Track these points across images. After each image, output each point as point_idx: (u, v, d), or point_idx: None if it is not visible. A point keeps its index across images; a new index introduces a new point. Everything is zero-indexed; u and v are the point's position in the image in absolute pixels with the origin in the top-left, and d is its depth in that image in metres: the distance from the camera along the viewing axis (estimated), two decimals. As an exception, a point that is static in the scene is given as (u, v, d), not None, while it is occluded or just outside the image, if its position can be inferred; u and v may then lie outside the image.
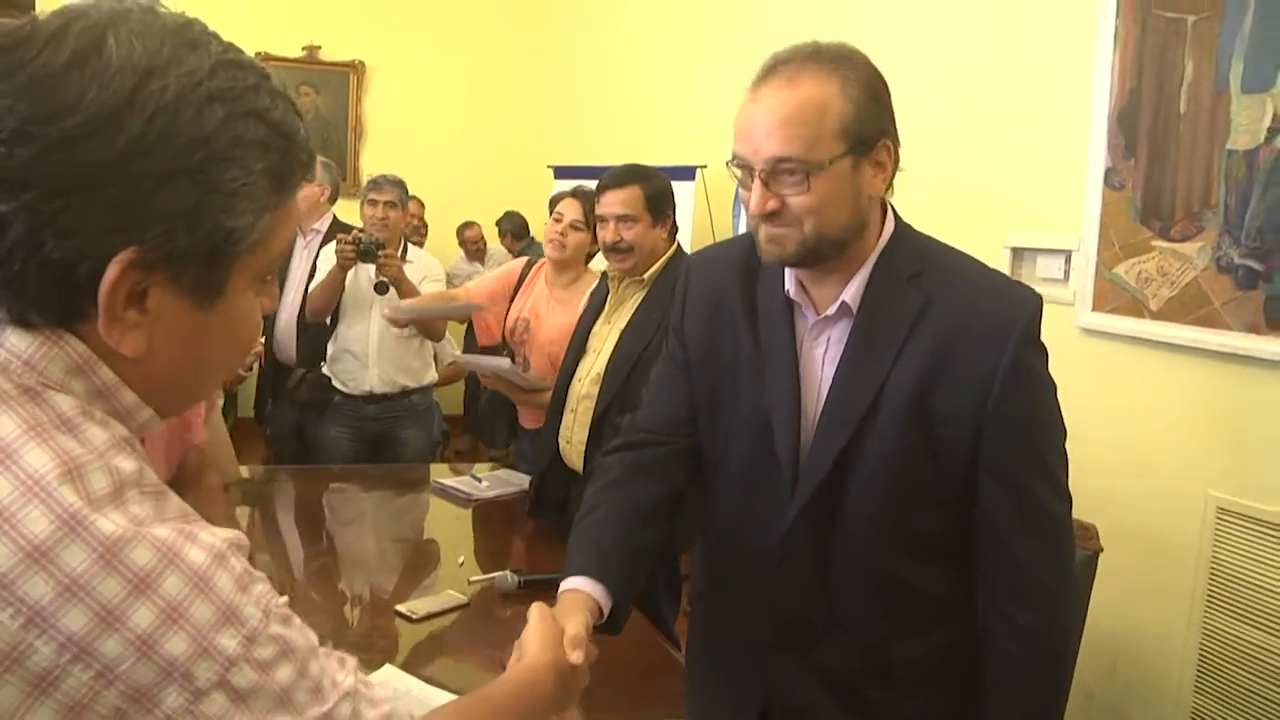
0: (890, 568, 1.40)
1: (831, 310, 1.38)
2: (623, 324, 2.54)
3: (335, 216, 4.13)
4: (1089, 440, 2.76)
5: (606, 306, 2.63)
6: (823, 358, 1.40)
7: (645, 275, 2.55)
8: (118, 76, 0.61)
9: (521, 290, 3.15)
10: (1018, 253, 3.08)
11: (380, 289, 3.48)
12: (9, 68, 0.60)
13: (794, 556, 1.42)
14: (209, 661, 0.62)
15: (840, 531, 1.39)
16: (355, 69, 6.60)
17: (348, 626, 2.12)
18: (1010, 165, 3.12)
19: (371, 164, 6.57)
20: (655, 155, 4.28)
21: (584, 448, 2.54)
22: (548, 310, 3.02)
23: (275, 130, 0.68)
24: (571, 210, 2.92)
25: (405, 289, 3.46)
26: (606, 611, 1.41)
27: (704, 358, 1.52)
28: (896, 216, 1.42)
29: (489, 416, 4.56)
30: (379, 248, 3.41)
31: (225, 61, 0.66)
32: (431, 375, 3.80)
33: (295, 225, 0.74)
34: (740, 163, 1.33)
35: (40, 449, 0.60)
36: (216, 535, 0.66)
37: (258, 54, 6.41)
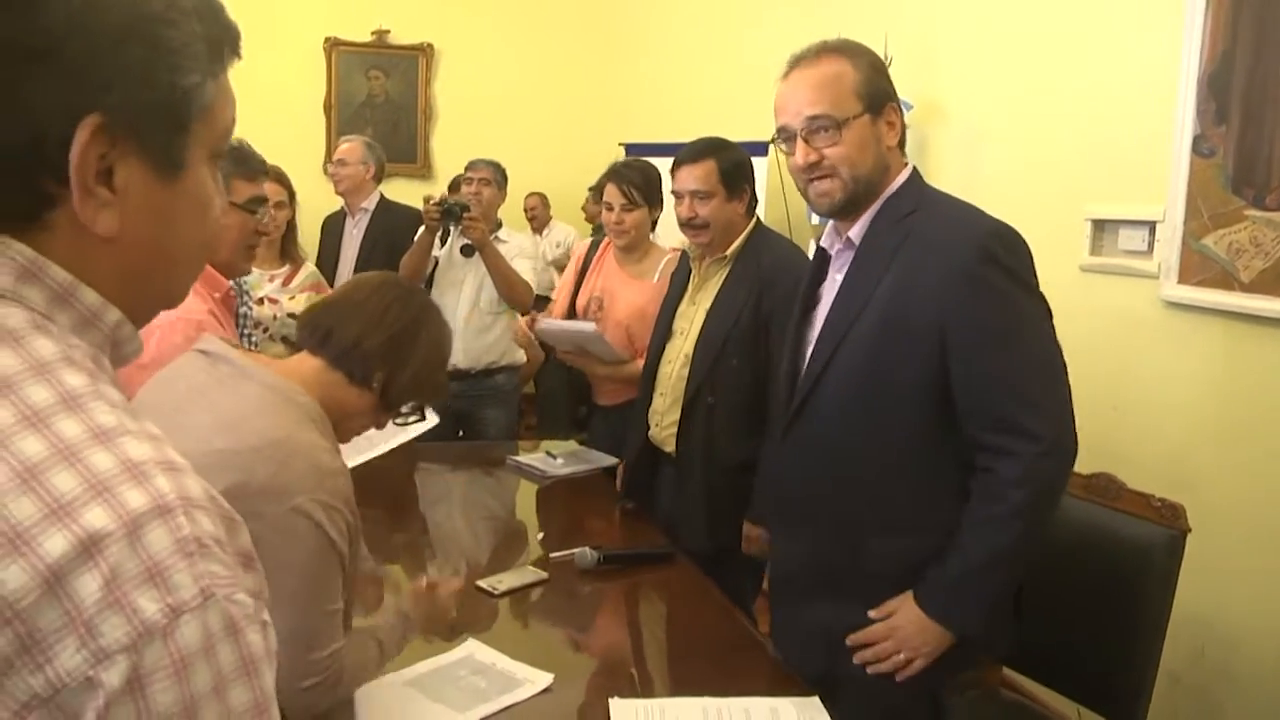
0: (870, 466, 1.64)
1: (840, 244, 1.71)
2: (708, 304, 2.52)
3: (383, 195, 4.20)
4: (1174, 417, 2.70)
5: (690, 286, 2.61)
6: (837, 283, 1.70)
7: (727, 253, 2.53)
8: None
9: (591, 269, 3.17)
10: (1098, 224, 3.00)
11: (466, 251, 3.54)
12: None
13: (795, 447, 1.73)
14: (120, 618, 0.55)
15: (828, 427, 1.67)
16: (424, 52, 6.65)
17: (430, 600, 2.17)
18: (1090, 133, 3.03)
19: (441, 146, 6.64)
20: (727, 129, 4.23)
21: (675, 430, 2.54)
22: (621, 287, 3.03)
23: (201, 2, 0.69)
24: (615, 195, 2.92)
25: (490, 252, 3.51)
26: None
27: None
28: (914, 171, 1.70)
29: (550, 402, 4.57)
30: (464, 209, 3.46)
31: None
32: (518, 356, 3.81)
33: (234, 109, 0.75)
34: (784, 134, 1.67)
35: None
36: (179, 486, 0.60)
37: (327, 39, 6.50)
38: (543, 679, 1.70)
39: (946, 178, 3.69)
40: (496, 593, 2.06)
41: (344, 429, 1.48)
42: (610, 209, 2.95)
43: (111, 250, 0.65)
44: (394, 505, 2.72)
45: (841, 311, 1.66)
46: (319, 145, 6.36)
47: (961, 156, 3.61)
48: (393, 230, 4.03)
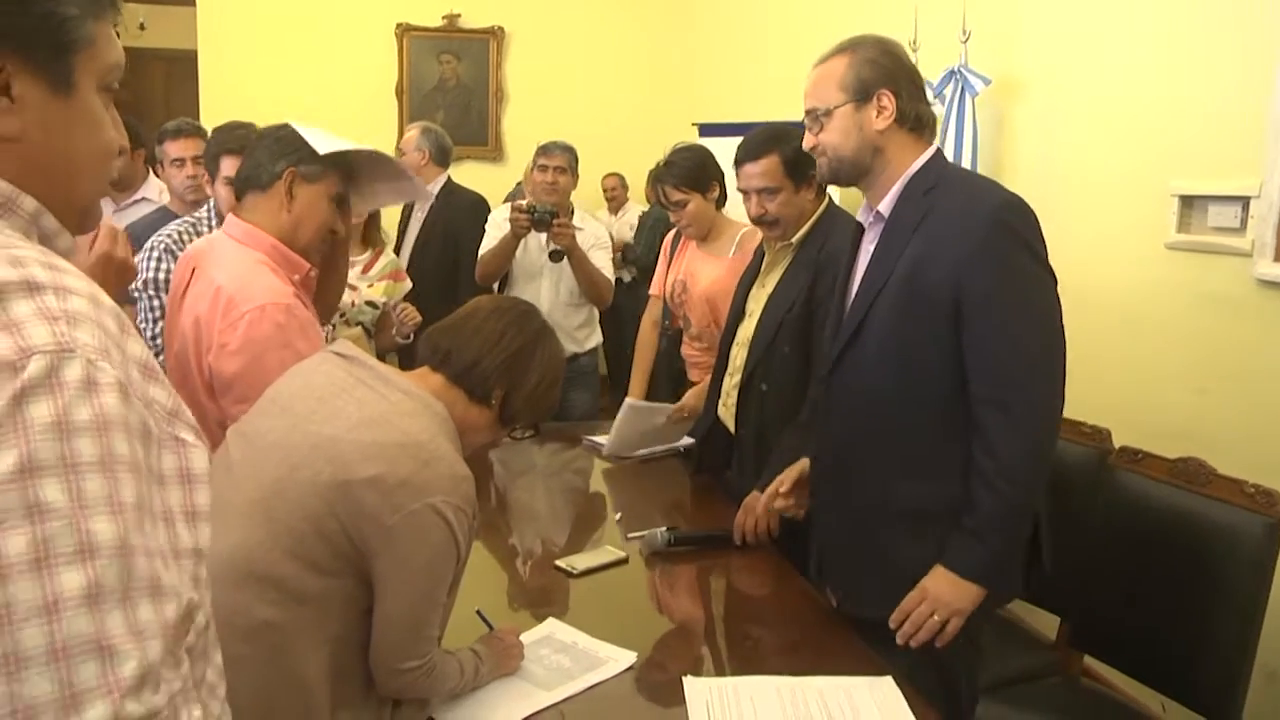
0: (898, 416, 1.79)
1: (871, 218, 1.88)
2: (771, 289, 2.52)
3: (449, 178, 4.24)
4: (1268, 400, 2.62)
5: (762, 268, 2.61)
6: (869, 255, 1.86)
7: (793, 240, 2.51)
8: None
9: (675, 257, 3.22)
10: (1186, 201, 2.91)
11: (555, 257, 3.55)
12: None
13: (832, 407, 1.90)
14: None
15: (861, 387, 1.83)
16: (495, 35, 6.69)
17: (512, 581, 2.21)
18: (1178, 105, 2.93)
19: (513, 129, 6.68)
20: (800, 109, 4.22)
21: (735, 412, 2.55)
22: (700, 266, 3.06)
23: None
24: (673, 193, 2.94)
25: (578, 257, 3.54)
26: None
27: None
28: (937, 151, 1.86)
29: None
30: (553, 216, 3.46)
31: None
32: (596, 338, 3.87)
33: (118, 53, 0.85)
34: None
35: None
36: (54, 278, 0.70)
37: (399, 25, 6.58)
38: (626, 657, 1.73)
39: (1023, 154, 3.62)
40: (575, 572, 2.09)
41: (464, 441, 1.55)
42: (676, 207, 2.98)
43: (15, 150, 0.78)
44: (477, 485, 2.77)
45: (872, 277, 1.82)
46: (391, 130, 6.44)
47: (1040, 132, 3.53)
48: (454, 216, 4.09)
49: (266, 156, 1.91)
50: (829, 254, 2.39)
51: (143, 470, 0.69)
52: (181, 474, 0.73)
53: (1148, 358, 2.97)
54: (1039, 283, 1.75)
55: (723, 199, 3.03)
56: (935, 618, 1.74)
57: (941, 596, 1.74)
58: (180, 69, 7.69)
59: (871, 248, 1.86)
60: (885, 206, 1.83)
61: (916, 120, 1.82)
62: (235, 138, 2.55)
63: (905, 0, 3.89)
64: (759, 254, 2.67)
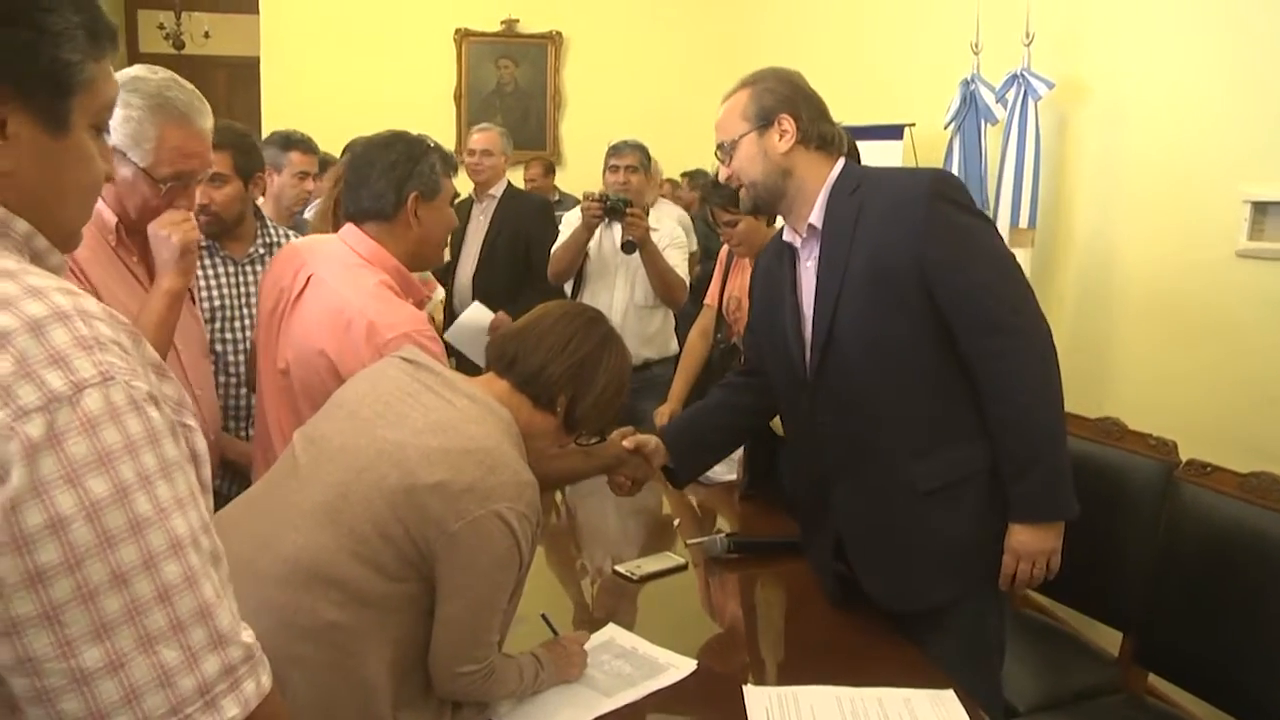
0: (891, 402, 1.85)
1: (805, 234, 1.94)
2: None
3: (509, 182, 4.27)
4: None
5: None
6: (813, 270, 1.92)
7: None
8: None
9: (731, 271, 3.20)
10: (1259, 207, 2.84)
11: (627, 248, 3.49)
12: None
13: (817, 408, 1.93)
14: (32, 387, 0.70)
15: (848, 384, 1.87)
16: (553, 40, 6.74)
17: (572, 586, 2.23)
18: (1250, 108, 2.87)
19: (570, 133, 6.73)
20: (860, 114, 4.18)
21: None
22: None
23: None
24: (722, 214, 2.95)
25: (650, 251, 3.48)
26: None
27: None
28: (845, 160, 1.95)
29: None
30: (626, 205, 3.42)
31: None
32: (672, 346, 3.78)
33: (114, 90, 0.91)
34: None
35: None
36: (75, 303, 0.75)
37: (457, 30, 6.66)
38: (686, 665, 1.73)
39: (1086, 158, 3.57)
40: (635, 578, 2.10)
41: (529, 448, 1.55)
42: (724, 226, 2.98)
43: (8, 181, 0.82)
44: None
45: (826, 282, 1.88)
46: (449, 135, 6.52)
47: (1104, 136, 3.47)
48: (520, 217, 4.08)
49: (385, 185, 1.87)
50: None
51: (183, 463, 0.79)
52: (191, 456, 0.81)
53: (1217, 368, 2.91)
54: (986, 234, 1.85)
55: (774, 215, 3.02)
56: (1036, 568, 1.84)
57: (1031, 547, 1.83)
58: (243, 75, 7.86)
59: (812, 263, 1.93)
60: (816, 217, 1.91)
61: (821, 139, 1.92)
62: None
63: (967, 3, 3.85)
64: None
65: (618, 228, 3.55)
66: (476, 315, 3.84)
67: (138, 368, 0.77)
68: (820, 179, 1.92)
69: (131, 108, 1.71)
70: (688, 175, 6.14)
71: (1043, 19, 3.56)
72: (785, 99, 1.91)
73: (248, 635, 0.81)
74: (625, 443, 2.10)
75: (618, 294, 3.62)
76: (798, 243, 1.97)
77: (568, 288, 3.73)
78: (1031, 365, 1.80)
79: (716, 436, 2.30)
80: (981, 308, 1.79)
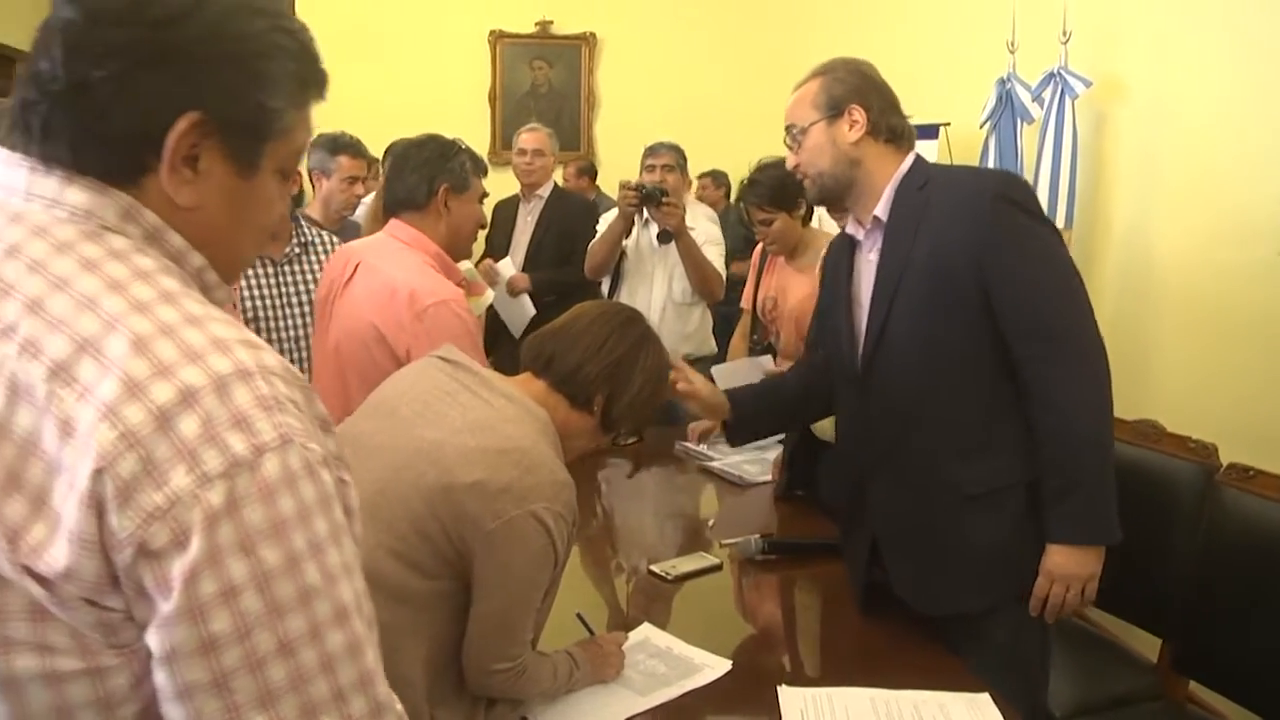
0: (940, 403, 1.83)
1: (867, 227, 1.93)
2: None
3: (556, 183, 4.27)
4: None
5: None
6: (874, 264, 1.91)
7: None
8: None
9: (765, 270, 3.20)
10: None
11: (663, 238, 3.49)
12: None
13: (867, 402, 1.92)
14: (216, 451, 0.70)
15: (898, 381, 1.86)
16: (587, 41, 6.76)
17: (605, 585, 2.24)
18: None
19: (605, 134, 6.74)
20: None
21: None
22: (790, 283, 3.04)
23: (301, 46, 0.86)
24: (758, 213, 2.96)
25: (687, 241, 3.47)
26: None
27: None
28: (918, 156, 1.92)
29: None
30: (663, 194, 3.41)
31: None
32: (710, 346, 3.76)
33: (307, 137, 0.91)
34: None
35: (91, 276, 0.74)
36: (256, 358, 0.75)
37: (492, 32, 6.69)
38: (721, 665, 1.74)
39: (1125, 158, 3.53)
40: (669, 578, 2.11)
41: (566, 447, 1.56)
42: (759, 225, 2.98)
43: (187, 217, 0.82)
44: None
45: (885, 276, 1.87)
46: (484, 136, 6.55)
47: (1143, 135, 3.43)
48: (567, 217, 4.09)
49: (418, 179, 2.11)
50: None
51: (348, 526, 0.79)
52: (348, 510, 0.80)
53: (1258, 369, 2.87)
54: (1050, 241, 1.82)
55: (809, 214, 3.02)
56: (1071, 593, 1.79)
57: (1068, 570, 1.78)
58: (282, 77, 7.92)
59: (873, 255, 1.91)
60: (882, 210, 1.89)
61: (891, 132, 1.89)
62: None
63: (1003, 2, 3.82)
64: (837, 262, 2.65)
65: (654, 227, 3.55)
66: (506, 267, 3.97)
67: (311, 427, 0.77)
68: (888, 172, 1.90)
69: None
70: (709, 175, 6.13)
71: (1080, 16, 3.53)
72: (856, 89, 1.89)
73: (399, 704, 0.82)
74: (679, 386, 2.08)
75: (656, 290, 3.61)
76: (860, 235, 1.96)
77: (605, 287, 3.73)
78: (1081, 376, 1.77)
79: (783, 407, 2.26)
80: (1035, 312, 1.77)
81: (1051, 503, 1.77)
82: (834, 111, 1.88)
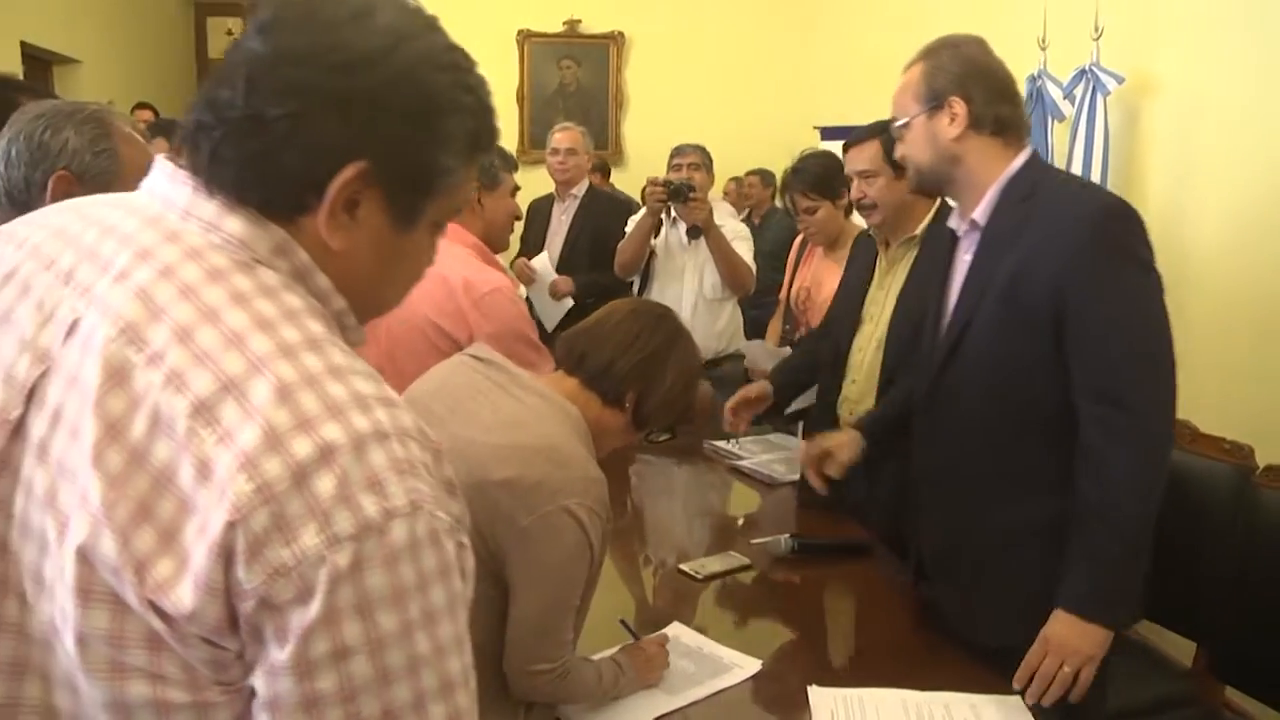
0: (1000, 429, 1.74)
1: (965, 226, 1.83)
2: (898, 287, 2.50)
3: (591, 184, 4.28)
4: None
5: (877, 271, 2.59)
6: (966, 266, 1.82)
7: (916, 233, 2.50)
8: (381, 35, 0.79)
9: (802, 262, 3.22)
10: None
11: (692, 233, 3.51)
12: (306, 12, 0.79)
13: (932, 414, 1.86)
14: (348, 513, 0.69)
15: (963, 405, 1.79)
16: (615, 40, 6.77)
17: (635, 584, 2.24)
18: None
19: (633, 134, 6.75)
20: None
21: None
22: (825, 275, 3.05)
23: (481, 104, 0.85)
24: (803, 200, 2.99)
25: (715, 235, 3.49)
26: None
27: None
28: (1033, 154, 1.80)
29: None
30: (690, 189, 3.43)
31: (452, 46, 0.85)
32: (740, 343, 3.78)
33: (470, 193, 0.90)
34: None
35: (240, 310, 0.74)
36: (394, 418, 0.73)
37: (520, 31, 6.71)
38: (751, 664, 1.74)
39: (1158, 155, 3.49)
40: (699, 577, 2.11)
41: (598, 445, 1.57)
42: (802, 215, 3.01)
43: (337, 261, 0.81)
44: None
45: (970, 290, 1.79)
46: (512, 135, 6.58)
47: (1176, 132, 3.39)
48: (602, 216, 4.09)
49: None
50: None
51: (465, 595, 0.78)
52: (464, 575, 0.79)
53: (1294, 370, 2.83)
54: (1142, 289, 1.66)
55: (850, 208, 3.02)
56: (1066, 669, 1.62)
57: (1068, 643, 1.62)
58: (312, 77, 7.99)
59: (968, 258, 1.82)
60: (981, 215, 1.79)
61: (997, 124, 1.76)
62: None
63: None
64: (863, 258, 2.66)
65: (682, 225, 3.57)
66: (544, 265, 3.98)
67: (439, 492, 0.75)
68: (993, 171, 1.77)
69: None
70: (756, 173, 6.11)
71: (1112, 12, 3.49)
72: (957, 79, 1.77)
73: None
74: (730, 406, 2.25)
75: (686, 287, 3.62)
76: (960, 231, 1.86)
77: (635, 287, 3.74)
78: (1139, 458, 1.61)
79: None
80: (1108, 370, 1.62)
81: (1070, 562, 1.64)
82: (934, 104, 1.77)
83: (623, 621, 1.79)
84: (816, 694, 1.64)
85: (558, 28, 6.75)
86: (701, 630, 1.87)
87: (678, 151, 3.70)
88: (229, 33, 9.01)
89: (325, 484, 0.69)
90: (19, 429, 0.75)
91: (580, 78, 6.80)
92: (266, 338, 0.73)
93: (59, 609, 0.72)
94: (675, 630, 1.86)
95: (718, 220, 3.56)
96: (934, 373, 1.85)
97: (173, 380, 0.71)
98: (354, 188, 0.78)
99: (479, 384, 1.54)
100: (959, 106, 1.75)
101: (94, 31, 7.37)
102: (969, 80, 1.77)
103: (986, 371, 1.75)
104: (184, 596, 0.68)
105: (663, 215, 3.55)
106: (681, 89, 6.61)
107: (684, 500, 2.92)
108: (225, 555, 0.67)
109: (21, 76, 6.18)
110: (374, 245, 0.82)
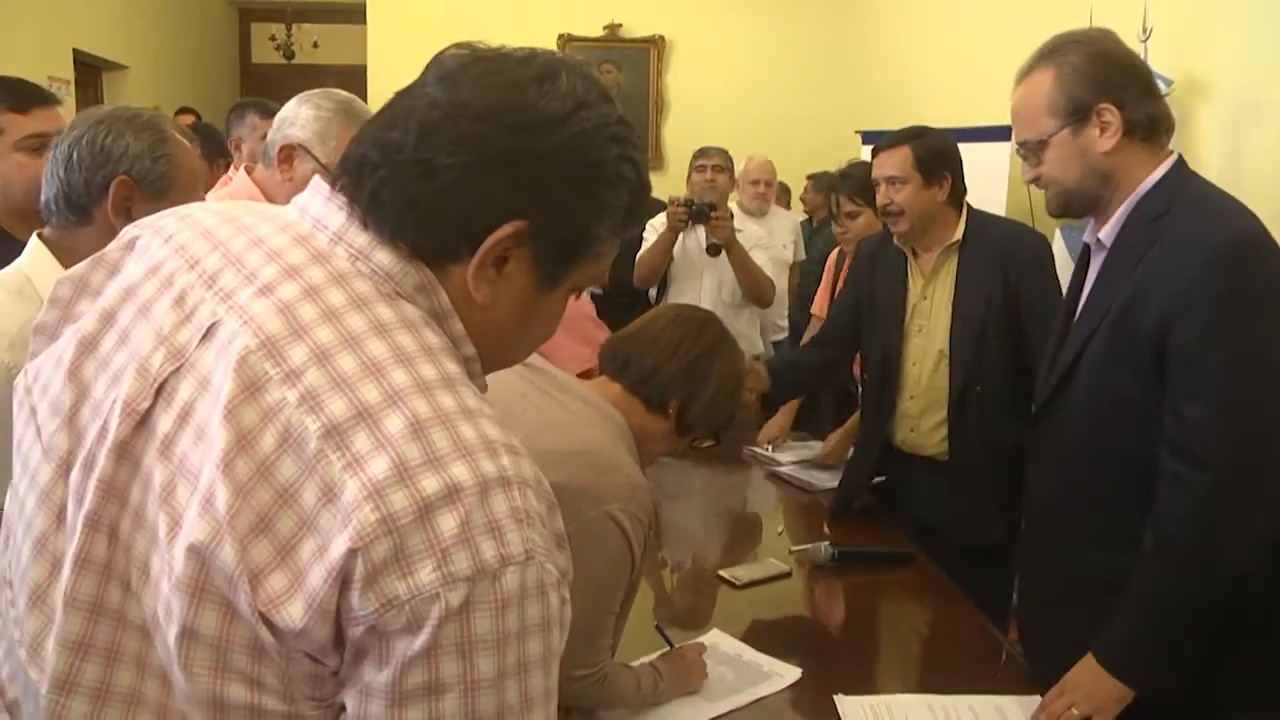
0: (1096, 473, 1.61)
1: (1095, 244, 1.68)
2: (948, 295, 2.46)
3: None
4: None
5: (912, 283, 2.54)
6: (1091, 285, 1.69)
7: (956, 238, 2.47)
8: (562, 99, 0.81)
9: (841, 273, 3.20)
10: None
11: (713, 251, 3.55)
12: (492, 69, 0.83)
13: (1039, 435, 1.75)
14: (467, 554, 0.69)
15: (1067, 437, 1.66)
16: (656, 44, 6.77)
17: (673, 589, 2.24)
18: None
19: (673, 137, 6.75)
20: (967, 115, 4.11)
21: (946, 430, 2.47)
22: None
23: (640, 178, 0.86)
24: (847, 204, 3.01)
25: (736, 252, 3.53)
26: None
27: None
28: (1176, 163, 1.60)
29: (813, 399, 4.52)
30: (711, 209, 3.47)
31: (622, 118, 0.85)
32: (758, 347, 3.78)
33: (610, 261, 0.90)
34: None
35: (380, 341, 0.75)
36: (517, 467, 0.74)
37: (561, 35, 6.73)
38: (791, 673, 1.73)
39: (1207, 160, 3.42)
40: (738, 584, 2.10)
41: (642, 451, 1.56)
42: (844, 219, 3.02)
43: (476, 312, 0.82)
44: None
45: (1088, 314, 1.66)
46: (552, 139, 6.59)
47: (1228, 137, 3.33)
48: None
49: None
50: (1006, 242, 2.42)
51: (559, 650, 0.78)
52: (562, 630, 0.79)
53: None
54: (1262, 339, 1.46)
55: None
56: (1074, 712, 1.52)
57: (1082, 686, 1.54)
58: (351, 83, 8.04)
59: (1095, 275, 1.68)
60: (1107, 234, 1.63)
61: (1149, 126, 1.58)
62: None
63: (1073, 2, 3.74)
64: (870, 268, 2.64)
65: (702, 232, 3.60)
66: None
67: (550, 544, 0.76)
68: (1135, 181, 1.59)
69: (323, 110, 1.88)
70: (813, 178, 6.08)
71: (1162, 13, 3.44)
72: (1102, 82, 1.57)
73: None
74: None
75: (705, 293, 3.65)
76: (1093, 243, 1.70)
77: (652, 292, 3.77)
78: (1196, 520, 1.46)
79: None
80: (1197, 423, 1.45)
81: (1115, 610, 1.54)
82: (1079, 117, 1.58)
83: (658, 627, 1.79)
84: (844, 703, 1.64)
85: (598, 32, 6.76)
86: (741, 637, 1.86)
87: (701, 153, 3.77)
88: (271, 37, 9.14)
89: (448, 523, 0.69)
90: (145, 420, 0.77)
91: (621, 82, 6.80)
92: (405, 371, 0.74)
93: (163, 603, 0.73)
94: (715, 637, 1.86)
95: (739, 226, 3.60)
96: (1046, 395, 1.72)
97: (307, 400, 0.72)
98: (507, 245, 0.80)
99: (522, 388, 1.54)
100: (1111, 114, 1.56)
101: (142, 38, 7.53)
102: (1115, 81, 1.58)
103: (1093, 405, 1.61)
104: (295, 614, 0.69)
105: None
106: (722, 94, 6.60)
107: (722, 507, 2.92)
108: (342, 580, 0.68)
109: (73, 82, 6.34)
110: (514, 302, 0.84)
